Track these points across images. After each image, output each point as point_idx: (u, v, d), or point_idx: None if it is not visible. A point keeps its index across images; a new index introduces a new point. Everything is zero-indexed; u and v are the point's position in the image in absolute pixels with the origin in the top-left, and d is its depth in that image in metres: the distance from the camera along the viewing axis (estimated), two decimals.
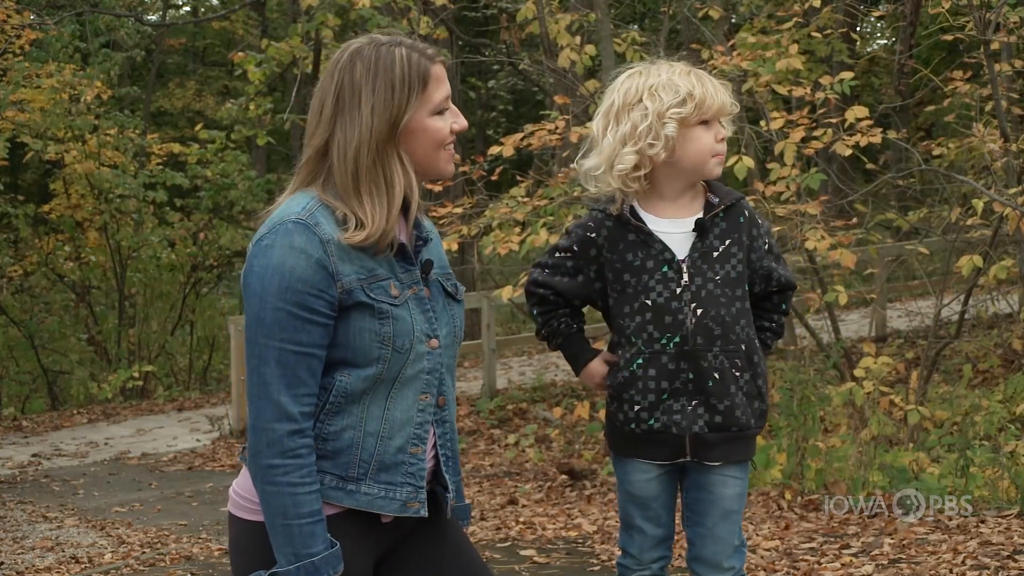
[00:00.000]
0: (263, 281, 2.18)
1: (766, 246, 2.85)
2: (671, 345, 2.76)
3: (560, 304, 2.95)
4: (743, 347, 2.77)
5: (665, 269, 2.78)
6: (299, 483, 2.17)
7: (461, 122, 2.31)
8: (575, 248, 2.89)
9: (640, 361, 2.80)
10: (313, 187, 2.27)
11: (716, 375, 2.75)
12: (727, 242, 2.78)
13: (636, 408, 2.81)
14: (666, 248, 2.78)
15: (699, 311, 2.75)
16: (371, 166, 2.23)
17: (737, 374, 2.76)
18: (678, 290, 2.77)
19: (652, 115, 2.74)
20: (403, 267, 2.29)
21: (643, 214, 2.82)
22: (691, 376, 2.76)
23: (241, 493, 2.30)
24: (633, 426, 2.82)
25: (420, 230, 2.37)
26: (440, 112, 2.28)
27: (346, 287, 2.20)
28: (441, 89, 2.28)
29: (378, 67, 2.24)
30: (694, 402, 2.76)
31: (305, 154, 2.29)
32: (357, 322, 2.21)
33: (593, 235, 2.87)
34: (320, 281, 2.18)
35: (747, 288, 2.81)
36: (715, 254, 2.77)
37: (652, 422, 2.79)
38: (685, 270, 2.77)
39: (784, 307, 2.92)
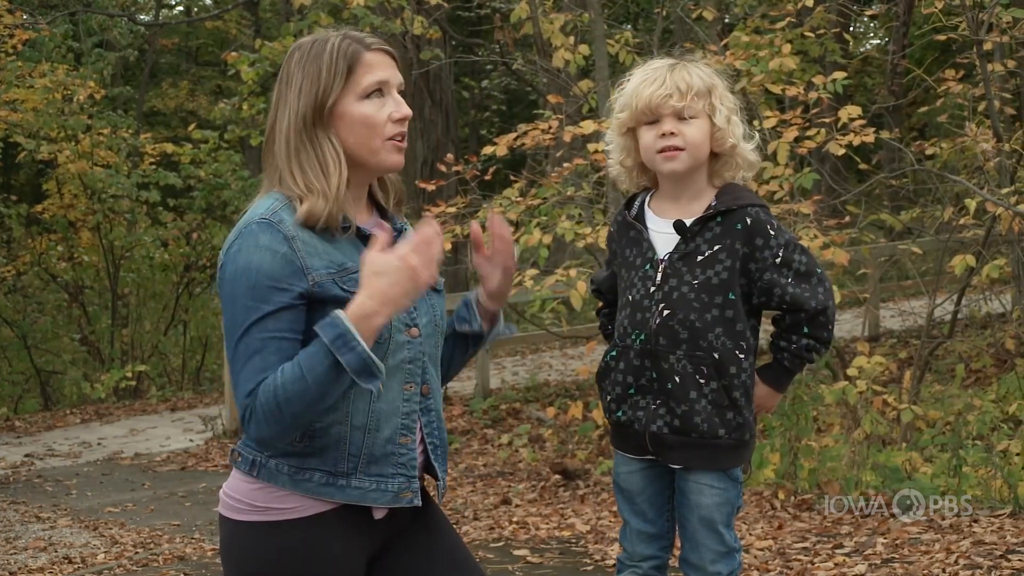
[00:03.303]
0: (234, 284, 2.20)
1: (776, 259, 2.72)
2: (637, 342, 2.78)
3: (603, 299, 3.02)
4: (715, 355, 2.72)
5: (647, 267, 2.79)
6: (276, 384, 2.12)
7: (403, 110, 2.31)
8: (607, 244, 2.98)
9: (614, 353, 2.83)
10: (274, 185, 2.30)
11: (677, 378, 2.73)
12: (716, 247, 2.73)
13: (608, 399, 2.85)
14: (651, 247, 2.79)
15: (666, 312, 2.74)
16: (300, 146, 2.26)
17: (701, 381, 2.72)
18: (652, 289, 2.77)
19: (611, 126, 2.89)
20: None
21: (648, 212, 2.84)
22: (654, 375, 2.76)
23: (230, 494, 2.30)
24: (608, 416, 2.88)
25: (394, 223, 2.40)
26: (370, 97, 2.28)
27: (317, 280, 2.21)
28: (372, 74, 2.28)
29: (311, 55, 2.29)
30: (657, 401, 2.76)
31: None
32: None
33: (612, 230, 2.95)
34: (289, 275, 2.19)
35: (735, 297, 2.73)
36: (699, 258, 2.73)
37: (620, 414, 2.83)
38: (661, 270, 2.77)
39: (805, 329, 2.76)
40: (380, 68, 2.29)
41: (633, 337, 2.79)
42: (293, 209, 2.24)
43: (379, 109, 2.29)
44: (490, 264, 2.50)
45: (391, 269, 2.10)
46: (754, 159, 2.82)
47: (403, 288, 2.11)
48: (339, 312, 2.11)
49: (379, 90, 2.29)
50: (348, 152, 2.29)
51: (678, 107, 2.73)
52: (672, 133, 2.74)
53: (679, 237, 2.76)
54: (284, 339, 2.18)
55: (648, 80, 2.78)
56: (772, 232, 2.74)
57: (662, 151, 2.75)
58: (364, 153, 2.29)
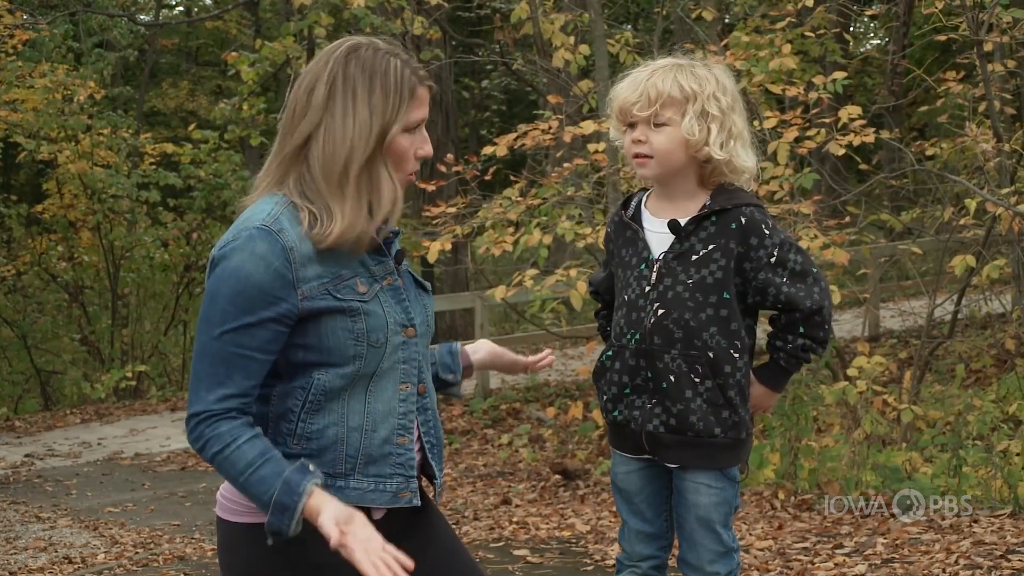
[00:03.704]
0: (219, 283, 2.18)
1: (771, 259, 2.71)
2: (632, 342, 2.78)
3: (601, 300, 3.02)
4: (709, 354, 2.71)
5: (643, 267, 2.79)
6: (224, 448, 2.16)
7: (427, 149, 2.29)
8: (605, 244, 2.98)
9: (610, 353, 2.84)
10: (283, 187, 2.25)
11: (672, 377, 2.73)
12: (710, 247, 2.72)
13: (604, 398, 2.86)
14: (646, 246, 2.80)
15: (660, 311, 2.74)
16: (363, 166, 2.20)
17: (696, 380, 2.72)
18: (647, 288, 2.77)
19: None
20: (375, 259, 2.29)
21: (644, 212, 2.84)
22: (650, 375, 2.76)
23: (227, 495, 2.30)
24: (605, 415, 2.89)
25: (387, 223, 2.37)
26: (411, 131, 2.26)
27: (307, 294, 2.19)
28: (421, 110, 2.27)
29: (375, 68, 2.22)
30: (653, 400, 2.77)
31: (285, 141, 2.25)
32: (328, 323, 2.20)
33: (609, 230, 2.94)
34: (278, 289, 2.17)
35: (729, 296, 2.73)
36: (694, 257, 2.73)
37: (616, 414, 2.84)
38: (656, 270, 2.77)
39: (801, 329, 2.75)
40: (425, 104, 2.28)
41: (628, 337, 2.79)
42: (296, 211, 2.20)
43: (411, 144, 2.27)
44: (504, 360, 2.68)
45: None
46: (742, 166, 2.76)
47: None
48: (310, 485, 2.13)
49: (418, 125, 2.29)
50: None
51: (641, 115, 2.73)
52: (640, 140, 2.75)
53: (674, 237, 2.76)
54: (253, 359, 2.17)
55: (627, 84, 2.78)
56: (767, 231, 2.73)
57: (634, 156, 2.77)
58: None
